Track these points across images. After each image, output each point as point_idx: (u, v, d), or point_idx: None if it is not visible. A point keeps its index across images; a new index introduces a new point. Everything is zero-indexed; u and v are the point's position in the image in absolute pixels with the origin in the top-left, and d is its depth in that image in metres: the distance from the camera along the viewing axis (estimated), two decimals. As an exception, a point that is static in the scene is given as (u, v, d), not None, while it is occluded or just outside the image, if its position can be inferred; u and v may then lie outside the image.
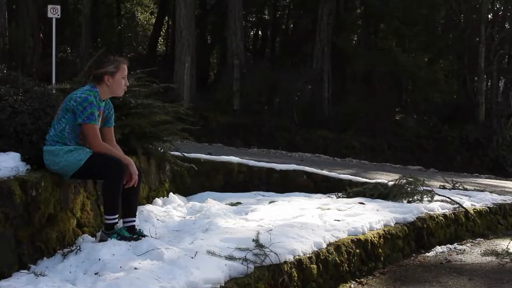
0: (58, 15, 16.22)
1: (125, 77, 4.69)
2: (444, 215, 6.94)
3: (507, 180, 15.74)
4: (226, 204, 6.75)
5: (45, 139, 4.52)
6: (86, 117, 4.39)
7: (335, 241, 5.12)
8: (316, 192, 8.21)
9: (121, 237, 4.46)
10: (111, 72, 4.58)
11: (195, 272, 3.78)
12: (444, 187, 9.34)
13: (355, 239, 5.35)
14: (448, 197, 7.54)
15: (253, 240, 4.42)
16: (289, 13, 29.79)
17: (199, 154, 8.52)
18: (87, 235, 4.71)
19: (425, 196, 7.30)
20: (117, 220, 4.54)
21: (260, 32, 31.01)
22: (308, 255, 4.66)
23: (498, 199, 8.70)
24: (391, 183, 7.58)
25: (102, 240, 4.53)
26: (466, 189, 9.39)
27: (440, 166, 18.24)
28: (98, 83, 4.59)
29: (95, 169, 4.45)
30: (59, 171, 4.43)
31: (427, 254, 6.32)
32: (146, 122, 6.27)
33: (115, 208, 4.53)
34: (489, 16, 22.41)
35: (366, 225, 5.67)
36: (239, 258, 4.14)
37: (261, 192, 8.09)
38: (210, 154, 9.06)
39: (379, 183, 7.85)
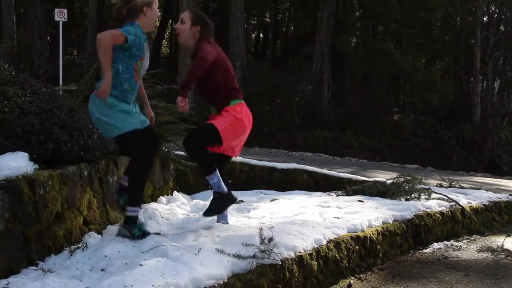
0: (65, 18, 16.24)
1: (157, 7, 4.55)
2: (441, 213, 6.93)
3: (502, 179, 15.73)
4: (229, 202, 6.75)
5: (53, 139, 4.52)
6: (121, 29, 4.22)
7: (335, 238, 5.12)
8: (316, 190, 8.22)
9: (143, 233, 4.41)
10: (147, 3, 4.35)
11: (199, 268, 3.78)
12: (441, 185, 9.33)
13: (354, 236, 5.35)
14: (445, 195, 7.54)
15: (255, 237, 4.42)
16: (290, 16, 29.82)
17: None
18: (93, 232, 4.72)
19: (422, 194, 7.30)
20: (138, 213, 4.49)
21: (261, 35, 31.04)
22: (308, 252, 4.66)
23: (494, 197, 8.69)
24: (389, 181, 7.57)
25: (124, 235, 4.43)
26: (462, 187, 9.38)
27: (437, 165, 18.26)
28: (136, 18, 4.35)
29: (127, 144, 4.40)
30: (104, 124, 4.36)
31: (424, 250, 6.32)
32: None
33: (139, 199, 4.50)
34: (485, 18, 22.41)
35: (365, 222, 5.66)
36: (242, 255, 4.14)
37: (263, 190, 8.10)
38: (213, 153, 9.07)
39: (377, 181, 7.84)
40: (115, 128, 4.33)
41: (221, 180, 4.75)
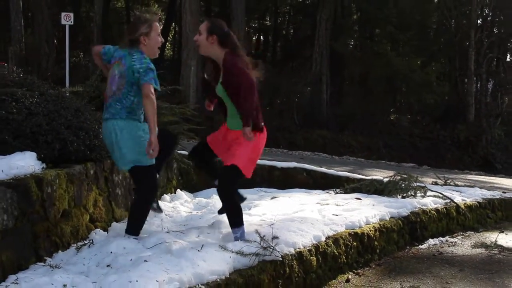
0: (71, 22, 16.25)
1: (159, 34, 4.53)
2: (436, 210, 6.94)
3: (495, 177, 15.73)
4: (230, 200, 6.75)
5: (60, 139, 4.53)
6: (149, 79, 4.28)
7: (334, 235, 5.13)
8: (316, 188, 8.22)
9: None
10: (145, 33, 4.43)
11: (202, 264, 3.78)
12: (436, 183, 9.33)
13: (352, 233, 5.35)
14: (440, 193, 7.54)
15: (256, 234, 4.42)
16: (289, 19, 29.80)
17: (204, 153, 8.52)
18: (99, 229, 4.72)
19: (418, 191, 7.30)
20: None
21: (262, 37, 31.01)
22: (308, 248, 4.66)
23: (487, 194, 8.70)
24: (386, 179, 7.57)
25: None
26: (457, 185, 9.39)
27: (432, 163, 18.25)
28: (137, 46, 4.42)
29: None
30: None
31: (420, 246, 6.32)
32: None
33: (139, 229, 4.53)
34: (479, 21, 22.38)
35: (363, 219, 5.67)
36: (243, 251, 4.15)
37: (263, 189, 8.10)
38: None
39: (374, 179, 7.85)
40: (143, 157, 4.33)
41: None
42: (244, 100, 4.42)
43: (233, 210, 4.56)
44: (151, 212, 5.55)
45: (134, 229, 4.44)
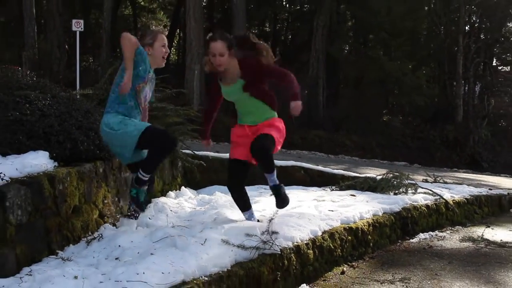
0: (81, 28, 16.26)
1: (164, 45, 4.56)
2: (427, 206, 6.94)
3: (482, 174, 15.74)
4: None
5: (71, 139, 4.53)
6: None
7: (329, 229, 5.12)
8: (312, 186, 8.21)
9: (135, 197, 4.62)
10: (148, 44, 4.48)
11: (205, 257, 3.78)
12: (426, 181, 9.34)
13: (347, 227, 5.35)
14: (430, 190, 7.54)
15: (257, 228, 4.42)
16: (288, 25, 29.79)
17: (207, 152, 8.51)
18: (108, 224, 4.72)
19: (409, 188, 7.30)
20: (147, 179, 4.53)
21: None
22: (305, 242, 4.66)
23: (475, 191, 8.70)
24: (379, 177, 7.58)
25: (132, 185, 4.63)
26: (446, 183, 9.39)
27: (422, 162, 18.25)
28: None
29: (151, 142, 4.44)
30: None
31: (411, 240, 6.32)
32: (161, 123, 6.28)
33: (152, 170, 4.59)
34: (466, 28, 22.39)
35: (357, 214, 5.67)
36: (245, 245, 4.15)
37: (263, 186, 8.07)
38: (217, 152, 9.06)
39: (368, 177, 7.85)
40: (133, 131, 4.35)
41: None
42: (288, 79, 4.51)
43: (271, 162, 4.62)
44: (156, 208, 5.57)
45: (146, 169, 4.47)
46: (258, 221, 4.83)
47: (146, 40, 4.48)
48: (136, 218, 4.83)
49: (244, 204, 4.91)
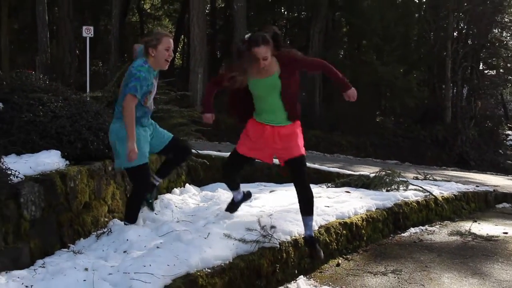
0: (91, 34, 16.26)
1: (168, 49, 4.33)
2: (417, 202, 6.94)
3: (470, 172, 15.73)
4: (233, 193, 6.74)
5: (82, 139, 4.54)
6: (129, 89, 4.15)
7: (325, 224, 5.13)
8: (309, 183, 8.18)
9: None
10: (153, 45, 4.28)
11: (208, 250, 3.79)
12: (417, 178, 9.32)
13: (342, 222, 5.35)
14: (420, 187, 7.54)
15: (257, 223, 4.43)
16: (286, 31, 29.71)
17: (210, 151, 8.53)
18: (116, 219, 4.73)
19: (401, 185, 7.30)
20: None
21: (261, 48, 30.95)
22: (302, 236, 4.66)
23: (462, 188, 8.69)
24: (372, 175, 7.57)
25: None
26: (435, 180, 9.38)
27: (413, 160, 18.23)
28: (147, 56, 4.32)
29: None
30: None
31: (402, 234, 6.32)
32: (166, 124, 6.28)
33: (134, 217, 4.50)
34: (455, 34, 22.37)
35: (352, 210, 5.67)
36: (245, 239, 4.15)
37: (263, 183, 8.08)
38: (219, 151, 9.06)
39: (362, 175, 7.84)
40: (124, 161, 4.28)
41: None
42: (330, 69, 4.34)
43: (312, 197, 4.42)
44: (162, 204, 5.57)
45: (130, 218, 4.45)
46: (259, 218, 4.82)
47: (151, 42, 4.32)
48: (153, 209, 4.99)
49: (235, 185, 4.88)
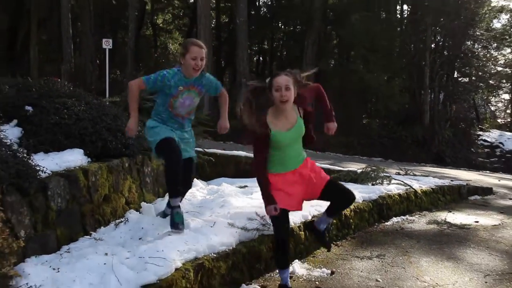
0: (110, 46, 16.26)
1: (195, 58, 3.93)
2: (399, 194, 6.94)
3: (445, 168, 15.74)
4: (236, 186, 6.73)
5: (102, 139, 4.54)
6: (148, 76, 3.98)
7: (318, 214, 5.13)
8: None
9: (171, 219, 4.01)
10: (182, 54, 4.00)
11: (214, 237, 3.80)
12: (399, 173, 9.34)
13: (332, 212, 5.34)
14: (402, 181, 7.54)
15: (257, 213, 4.43)
16: (283, 43, 29.72)
17: (216, 150, 8.54)
18: (133, 210, 4.73)
19: (384, 180, 7.31)
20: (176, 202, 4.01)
21: (261, 58, 30.97)
22: (297, 225, 4.67)
23: (439, 182, 8.70)
24: (359, 170, 7.58)
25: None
26: (415, 175, 9.39)
27: (396, 158, 18.23)
28: (180, 64, 4.05)
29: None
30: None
31: (386, 223, 6.33)
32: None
33: (171, 189, 4.03)
34: (432, 45, 22.36)
35: (341, 202, 5.65)
36: (247, 227, 4.16)
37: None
38: (224, 149, 9.07)
39: (350, 170, 7.85)
40: (150, 141, 4.13)
41: None
42: (323, 95, 3.85)
43: None
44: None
45: (170, 193, 4.02)
46: (258, 209, 4.82)
47: (180, 51, 4.08)
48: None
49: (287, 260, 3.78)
